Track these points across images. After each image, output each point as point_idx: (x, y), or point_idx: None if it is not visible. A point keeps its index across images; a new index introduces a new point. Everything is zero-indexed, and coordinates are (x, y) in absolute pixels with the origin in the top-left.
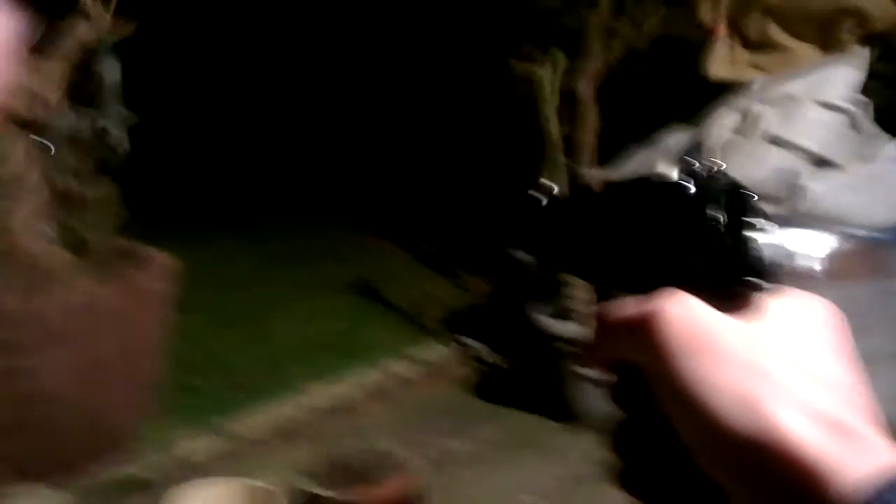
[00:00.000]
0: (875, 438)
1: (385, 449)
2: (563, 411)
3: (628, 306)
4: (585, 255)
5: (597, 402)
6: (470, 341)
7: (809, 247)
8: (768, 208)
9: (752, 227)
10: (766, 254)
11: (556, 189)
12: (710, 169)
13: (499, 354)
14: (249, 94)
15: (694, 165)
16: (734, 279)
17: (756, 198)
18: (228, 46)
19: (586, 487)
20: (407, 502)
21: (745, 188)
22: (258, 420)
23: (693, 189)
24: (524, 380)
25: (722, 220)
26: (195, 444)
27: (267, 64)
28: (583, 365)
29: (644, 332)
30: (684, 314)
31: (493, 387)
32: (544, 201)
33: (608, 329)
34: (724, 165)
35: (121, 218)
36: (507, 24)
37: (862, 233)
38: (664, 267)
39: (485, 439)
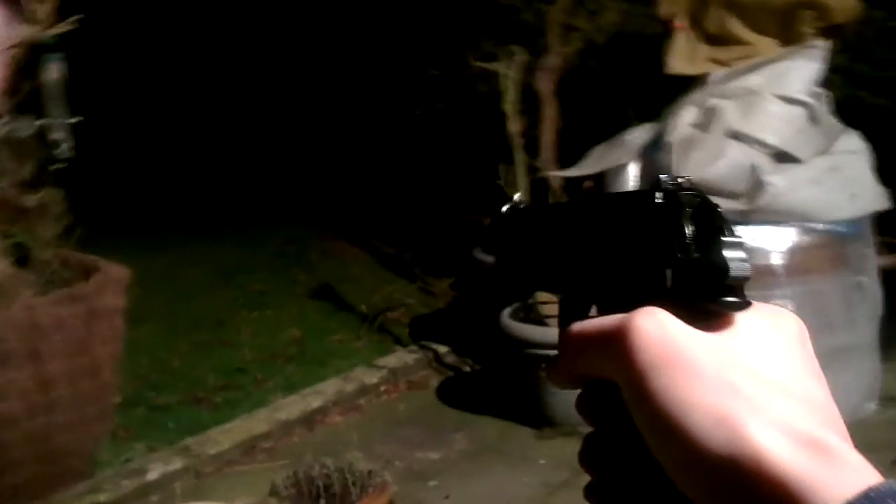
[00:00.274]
0: (852, 456)
1: (355, 466)
2: (534, 416)
3: (599, 321)
4: (554, 268)
5: (569, 406)
6: (436, 346)
7: (771, 242)
8: (730, 203)
9: (721, 240)
10: (736, 268)
11: (522, 202)
12: (679, 182)
13: (466, 359)
14: (208, 98)
15: (663, 179)
16: (705, 294)
17: (725, 212)
18: (187, 50)
19: (558, 494)
20: None
21: (713, 201)
22: (222, 436)
23: (662, 202)
24: (493, 385)
25: (691, 233)
26: (157, 465)
27: (223, 69)
28: (550, 380)
29: (616, 348)
30: (656, 329)
31: (460, 393)
32: (514, 213)
33: (578, 344)
34: (693, 180)
35: (67, 227)
36: (465, 21)
37: (823, 226)
38: (634, 281)
39: (454, 448)
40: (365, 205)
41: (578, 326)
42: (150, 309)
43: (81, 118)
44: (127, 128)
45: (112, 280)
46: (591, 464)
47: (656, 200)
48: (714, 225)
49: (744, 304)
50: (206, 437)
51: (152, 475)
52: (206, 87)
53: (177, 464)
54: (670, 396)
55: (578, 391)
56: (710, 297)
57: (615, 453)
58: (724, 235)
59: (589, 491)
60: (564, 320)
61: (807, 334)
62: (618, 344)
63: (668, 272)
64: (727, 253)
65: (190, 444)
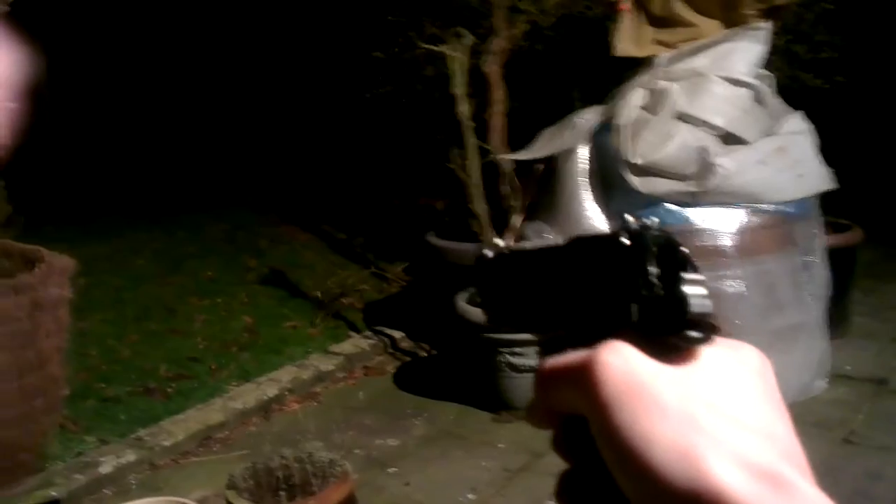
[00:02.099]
0: (809, 489)
1: (315, 456)
2: (491, 400)
3: (567, 357)
4: (534, 309)
5: (526, 390)
6: (391, 332)
7: (721, 223)
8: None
9: (683, 278)
10: (696, 303)
11: (506, 248)
12: (645, 224)
13: (422, 344)
14: (153, 84)
15: (629, 221)
16: (668, 328)
17: (688, 252)
18: (130, 34)
19: (517, 478)
20: None
21: (677, 242)
22: (176, 427)
23: (628, 243)
24: (450, 370)
25: (655, 272)
26: (109, 458)
27: (170, 55)
28: (529, 422)
29: (582, 381)
30: (620, 363)
31: (417, 378)
32: (498, 259)
33: (547, 379)
34: (658, 221)
35: (8, 216)
36: (410, 3)
37: (770, 207)
38: (602, 317)
39: (413, 434)
40: (315, 190)
41: (549, 363)
42: (98, 299)
43: (18, 104)
44: (69, 113)
45: (57, 270)
46: (567, 500)
47: (623, 242)
48: (677, 263)
49: (704, 338)
50: (160, 428)
51: (105, 468)
52: (151, 72)
53: (130, 456)
54: (633, 430)
55: (554, 436)
56: (672, 330)
57: (590, 489)
58: (686, 273)
59: None
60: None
61: (769, 368)
62: (584, 377)
63: (634, 307)
64: (688, 289)
65: (143, 435)
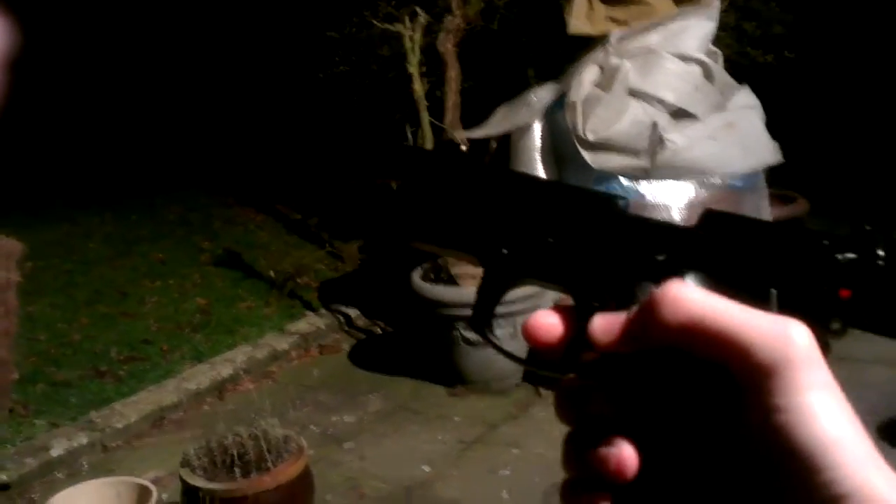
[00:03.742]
0: None
1: (270, 432)
2: (447, 375)
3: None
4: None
5: (481, 364)
6: (347, 310)
7: (672, 197)
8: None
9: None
10: None
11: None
12: None
13: (377, 322)
14: (103, 65)
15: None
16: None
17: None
18: (79, 16)
19: (472, 450)
20: (296, 487)
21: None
22: (128, 409)
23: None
24: (405, 346)
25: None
26: (60, 441)
27: (120, 34)
28: (599, 332)
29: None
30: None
31: (373, 355)
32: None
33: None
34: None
35: None
36: None
37: (719, 181)
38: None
39: (368, 410)
40: (270, 170)
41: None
42: (48, 283)
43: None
44: (18, 96)
45: (4, 253)
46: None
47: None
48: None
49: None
50: (112, 410)
51: (56, 451)
52: (101, 53)
53: (82, 439)
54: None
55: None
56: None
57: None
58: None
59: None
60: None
61: None
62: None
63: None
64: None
65: (94, 418)
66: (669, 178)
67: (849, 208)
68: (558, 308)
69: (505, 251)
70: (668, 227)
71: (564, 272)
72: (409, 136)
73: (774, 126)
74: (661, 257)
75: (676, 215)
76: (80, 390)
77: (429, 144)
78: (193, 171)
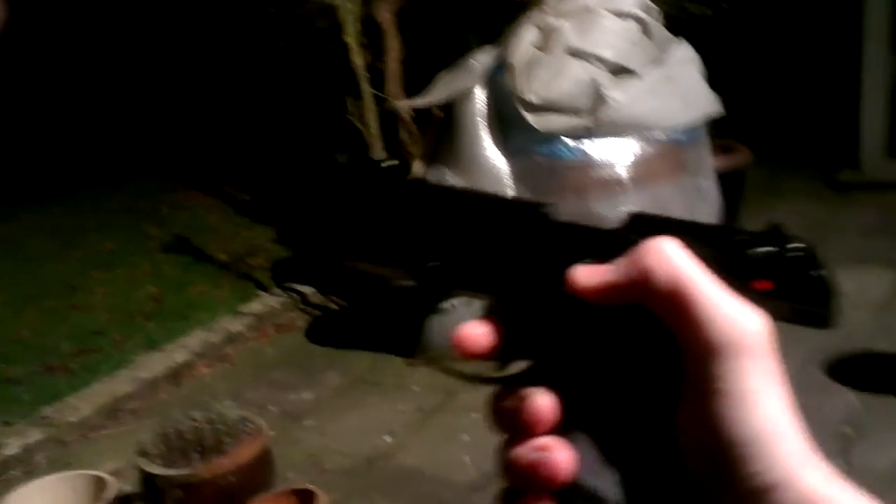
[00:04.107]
0: None
1: (225, 415)
2: (404, 345)
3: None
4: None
5: (437, 331)
6: (300, 288)
7: (615, 154)
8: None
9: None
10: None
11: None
12: None
13: (332, 298)
14: (39, 52)
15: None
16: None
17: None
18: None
19: (433, 417)
20: (255, 467)
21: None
22: (82, 402)
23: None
24: (361, 320)
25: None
26: (14, 439)
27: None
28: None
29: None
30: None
31: (329, 331)
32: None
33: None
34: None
35: None
36: None
37: (662, 135)
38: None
39: (327, 386)
40: (214, 152)
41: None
42: None
43: None
44: None
45: None
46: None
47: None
48: None
49: None
50: (65, 404)
51: (11, 450)
52: (39, 37)
53: (36, 435)
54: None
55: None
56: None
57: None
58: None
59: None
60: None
61: None
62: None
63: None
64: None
65: (48, 413)
66: (613, 135)
67: (790, 156)
68: (488, 317)
69: (434, 264)
70: (594, 232)
71: (494, 282)
72: (351, 108)
73: (714, 78)
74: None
75: (621, 172)
76: (32, 386)
77: (371, 116)
78: (137, 158)
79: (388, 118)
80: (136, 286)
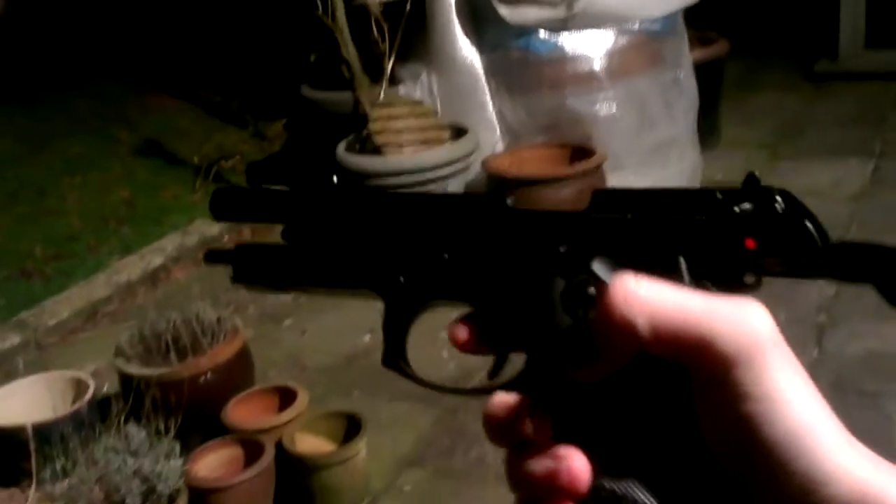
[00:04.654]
0: None
1: (202, 316)
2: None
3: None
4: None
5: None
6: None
7: (591, 47)
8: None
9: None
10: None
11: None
12: None
13: None
14: None
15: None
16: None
17: None
18: None
19: None
20: (233, 367)
21: None
22: (59, 306)
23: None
24: None
25: None
26: None
27: None
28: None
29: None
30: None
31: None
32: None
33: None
34: None
35: None
36: None
37: (638, 27)
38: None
39: None
40: (182, 53)
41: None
42: None
43: None
44: None
45: None
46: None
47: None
48: None
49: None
50: (42, 308)
51: None
52: None
53: (14, 339)
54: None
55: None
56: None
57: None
58: None
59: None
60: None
61: None
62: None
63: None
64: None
65: (25, 317)
66: (588, 27)
67: (768, 47)
68: (466, 321)
69: (402, 279)
70: (561, 217)
71: (468, 287)
72: (320, 5)
73: None
74: (563, 248)
75: (597, 65)
76: (8, 291)
77: (340, 13)
78: (100, 61)
79: (359, 14)
80: (108, 191)
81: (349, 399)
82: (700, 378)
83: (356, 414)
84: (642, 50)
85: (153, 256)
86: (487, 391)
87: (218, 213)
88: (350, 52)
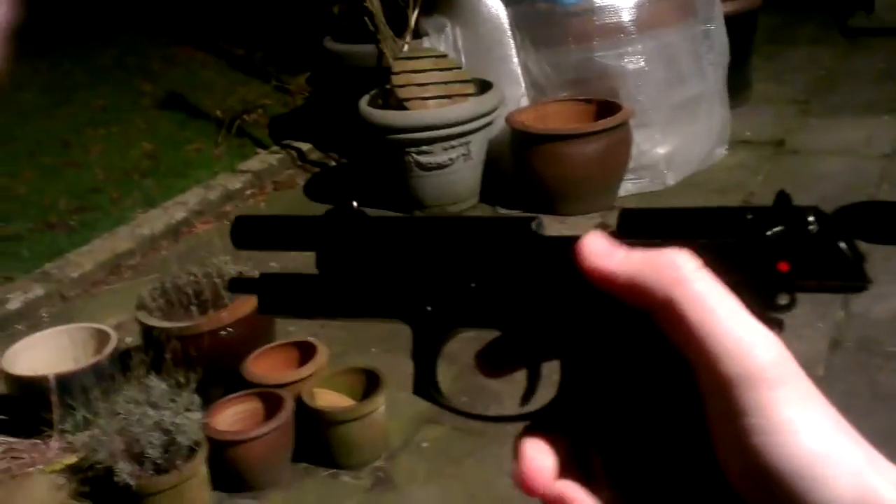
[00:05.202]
0: None
1: (224, 270)
2: (403, 201)
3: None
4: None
5: (434, 188)
6: (299, 145)
7: None
8: None
9: None
10: None
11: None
12: None
13: (331, 154)
14: None
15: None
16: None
17: None
18: None
19: None
20: (255, 321)
21: None
22: (83, 258)
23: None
24: (360, 176)
25: None
26: (16, 294)
27: None
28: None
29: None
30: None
31: (328, 188)
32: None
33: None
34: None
35: None
36: None
37: None
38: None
39: None
40: (206, 6)
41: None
42: None
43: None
44: None
45: None
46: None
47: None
48: None
49: None
50: (66, 260)
51: (14, 304)
52: None
53: (38, 290)
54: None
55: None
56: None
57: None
58: None
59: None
60: None
61: None
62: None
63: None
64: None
65: (49, 269)
66: None
67: (803, 1)
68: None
69: (429, 308)
70: None
71: (496, 314)
72: None
73: None
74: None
75: (626, 17)
76: (32, 243)
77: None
78: (123, 12)
79: None
80: (132, 144)
81: (368, 355)
82: (705, 392)
83: (375, 370)
84: (673, 2)
85: (176, 210)
86: (524, 418)
87: (238, 242)
88: (374, 3)
